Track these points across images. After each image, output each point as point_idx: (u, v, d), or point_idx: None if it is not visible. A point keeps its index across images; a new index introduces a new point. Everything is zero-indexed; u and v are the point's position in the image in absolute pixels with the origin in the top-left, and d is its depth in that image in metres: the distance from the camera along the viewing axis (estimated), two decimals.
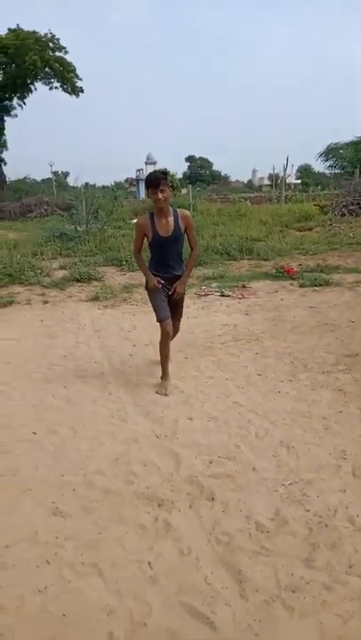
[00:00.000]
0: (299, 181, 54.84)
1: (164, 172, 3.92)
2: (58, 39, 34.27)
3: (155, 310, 4.17)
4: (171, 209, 3.96)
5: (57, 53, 34.43)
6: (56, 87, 35.60)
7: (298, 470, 2.90)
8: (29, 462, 3.10)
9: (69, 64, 34.84)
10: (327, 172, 40.45)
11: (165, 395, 4.06)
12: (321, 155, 36.40)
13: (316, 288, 7.62)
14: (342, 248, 10.89)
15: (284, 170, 26.23)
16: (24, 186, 34.94)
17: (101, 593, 2.08)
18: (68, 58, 34.87)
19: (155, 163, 34.49)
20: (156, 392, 4.12)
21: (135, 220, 16.78)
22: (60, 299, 7.74)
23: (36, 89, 35.57)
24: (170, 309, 4.17)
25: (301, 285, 7.82)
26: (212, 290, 7.80)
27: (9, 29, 32.98)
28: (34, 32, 33.20)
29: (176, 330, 4.47)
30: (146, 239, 4.06)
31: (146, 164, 35.35)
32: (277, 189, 27.56)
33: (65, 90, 35.70)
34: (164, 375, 4.28)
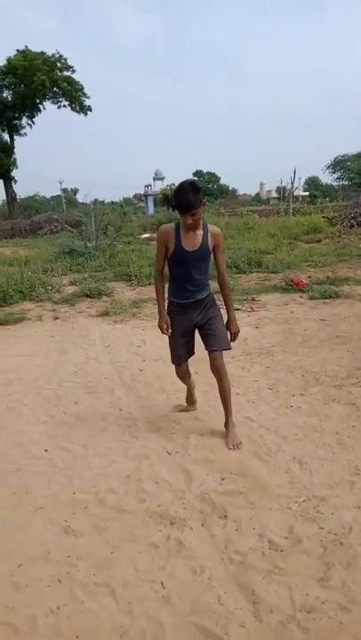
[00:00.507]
0: (307, 194, 54.96)
1: (196, 187, 3.04)
2: (65, 59, 34.99)
3: (170, 350, 3.66)
4: (201, 222, 3.26)
5: (65, 73, 35.13)
6: (64, 106, 36.27)
7: (311, 487, 2.86)
8: (41, 480, 3.09)
9: (77, 83, 35.49)
10: (335, 183, 40.57)
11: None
12: (328, 167, 36.57)
13: (326, 300, 7.59)
14: (352, 260, 10.87)
15: (292, 182, 26.36)
16: (34, 203, 35.45)
17: (114, 613, 2.05)
18: (76, 77, 35.56)
19: (163, 178, 34.83)
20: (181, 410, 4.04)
21: (145, 235, 16.92)
22: (70, 314, 7.78)
23: (44, 108, 36.29)
24: (203, 340, 3.52)
25: (311, 298, 7.79)
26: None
27: (17, 51, 33.78)
28: (42, 53, 33.94)
29: (216, 367, 3.46)
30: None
31: (154, 179, 35.71)
32: (285, 202, 27.64)
33: (73, 109, 36.32)
34: (188, 400, 4.10)
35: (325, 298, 7.68)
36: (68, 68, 35.26)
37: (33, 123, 36.64)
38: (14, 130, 36.11)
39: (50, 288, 9.10)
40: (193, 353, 3.66)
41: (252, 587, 2.15)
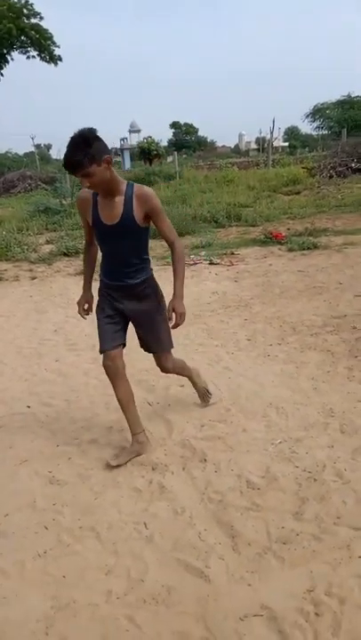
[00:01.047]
0: (286, 144, 54.02)
1: (86, 139, 2.26)
2: (32, 4, 33.06)
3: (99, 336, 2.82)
4: (124, 185, 2.48)
5: (32, 20, 33.27)
6: (33, 56, 34.47)
7: (287, 429, 2.97)
8: (25, 435, 3.16)
9: (46, 31, 33.67)
10: (314, 133, 39.89)
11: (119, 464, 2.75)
12: (308, 115, 35.80)
13: (304, 252, 7.63)
14: (330, 211, 10.85)
15: (271, 133, 25.86)
16: (6, 161, 34.29)
17: (99, 554, 2.15)
18: (44, 24, 33.74)
19: (139, 131, 33.87)
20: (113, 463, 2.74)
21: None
22: (47, 274, 7.71)
23: (12, 59, 34.50)
24: (138, 336, 2.90)
25: (290, 250, 7.82)
26: (200, 258, 7.78)
27: None
28: None
29: (162, 368, 3.01)
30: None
31: (130, 132, 34.73)
32: (265, 153, 27.20)
33: (43, 58, 34.60)
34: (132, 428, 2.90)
35: (304, 249, 7.71)
36: (36, 14, 33.36)
37: (1, 75, 34.97)
38: None
39: (26, 248, 8.96)
40: (124, 344, 2.82)
41: (231, 523, 2.26)
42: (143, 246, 2.67)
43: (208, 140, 75.59)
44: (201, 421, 3.14)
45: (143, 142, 25.95)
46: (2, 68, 34.45)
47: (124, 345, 2.82)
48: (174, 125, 71.12)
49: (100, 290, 2.83)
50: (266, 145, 28.37)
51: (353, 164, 16.16)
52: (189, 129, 72.13)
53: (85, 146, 2.26)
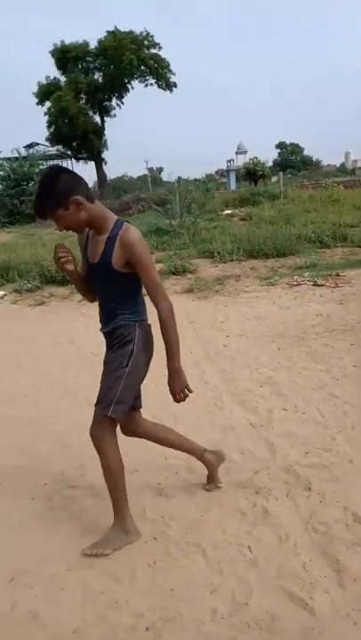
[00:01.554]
0: None
1: (49, 182, 2.08)
2: (152, 36, 34.97)
3: None
4: (111, 223, 2.22)
5: (152, 50, 35.14)
6: (151, 84, 36.41)
7: None
8: (136, 445, 3.32)
9: (163, 60, 35.41)
10: None
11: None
12: None
13: None
14: None
15: None
16: (123, 184, 36.22)
17: (205, 571, 2.22)
18: (162, 54, 35.49)
19: (246, 152, 34.12)
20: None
21: (227, 211, 16.83)
22: None
23: (132, 87, 36.62)
24: None
25: None
26: (304, 279, 7.68)
27: (107, 32, 34.19)
28: (130, 32, 34.13)
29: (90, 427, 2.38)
30: None
31: (236, 153, 35.09)
32: None
33: (160, 86, 36.39)
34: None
35: None
36: (155, 45, 35.26)
37: (122, 103, 37.19)
38: (105, 112, 36.86)
39: None
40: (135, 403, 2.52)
41: (337, 556, 2.22)
42: (124, 294, 2.30)
43: (313, 159, 74.22)
44: (305, 447, 3.11)
45: (249, 163, 26.19)
46: (123, 97, 36.62)
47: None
48: (280, 145, 70.78)
49: None
50: None
51: None
52: (295, 148, 71.36)
53: (48, 190, 2.09)
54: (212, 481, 2.79)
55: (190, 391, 2.38)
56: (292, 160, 68.03)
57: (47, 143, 34.92)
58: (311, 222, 12.11)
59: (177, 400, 2.37)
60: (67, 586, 2.19)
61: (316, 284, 7.38)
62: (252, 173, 26.07)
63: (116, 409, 2.28)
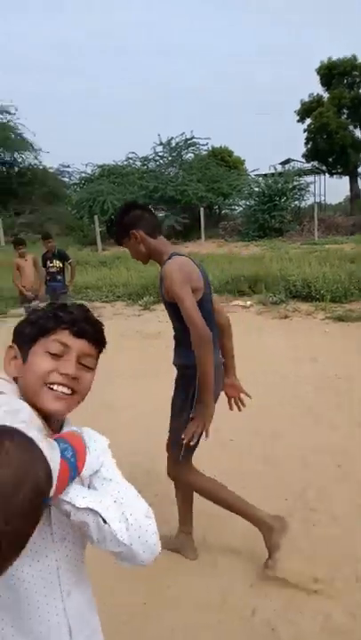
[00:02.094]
0: None
1: (121, 215, 2.36)
2: None
3: None
4: (166, 257, 2.29)
5: None
6: None
7: None
8: None
9: None
10: None
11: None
12: None
13: None
14: None
15: None
16: None
17: None
18: None
19: None
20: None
21: None
22: None
23: None
24: None
25: None
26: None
27: None
28: None
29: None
30: None
31: None
32: None
33: None
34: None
35: None
36: None
37: None
38: None
39: None
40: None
41: None
42: (182, 328, 2.24)
43: None
44: None
45: None
46: None
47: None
48: None
49: None
50: None
51: None
52: None
53: (118, 222, 2.37)
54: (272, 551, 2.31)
55: (206, 435, 2.21)
56: None
57: (303, 159, 35.36)
58: None
59: (189, 437, 2.19)
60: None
61: None
62: None
63: (186, 454, 2.32)
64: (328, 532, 2.68)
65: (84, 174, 26.42)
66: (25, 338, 1.01)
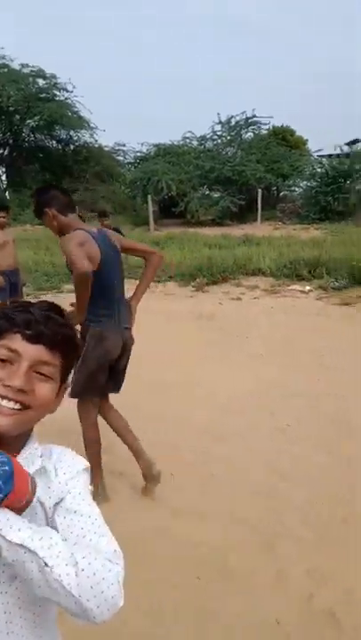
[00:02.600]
0: None
1: (34, 194, 2.95)
2: None
3: None
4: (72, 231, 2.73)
5: None
6: None
7: None
8: None
9: None
10: None
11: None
12: None
13: None
14: None
15: None
16: None
17: None
18: None
19: None
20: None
21: None
22: None
23: None
24: None
25: None
26: None
27: None
28: None
29: None
30: None
31: None
32: None
33: None
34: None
35: None
36: None
37: None
38: None
39: None
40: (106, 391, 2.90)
41: None
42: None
43: None
44: None
45: None
46: None
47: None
48: None
49: None
50: None
51: None
52: None
53: (36, 200, 2.77)
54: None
55: None
56: None
57: None
58: None
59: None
60: None
61: None
62: None
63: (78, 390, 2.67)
64: None
65: (139, 153, 26.08)
66: None
